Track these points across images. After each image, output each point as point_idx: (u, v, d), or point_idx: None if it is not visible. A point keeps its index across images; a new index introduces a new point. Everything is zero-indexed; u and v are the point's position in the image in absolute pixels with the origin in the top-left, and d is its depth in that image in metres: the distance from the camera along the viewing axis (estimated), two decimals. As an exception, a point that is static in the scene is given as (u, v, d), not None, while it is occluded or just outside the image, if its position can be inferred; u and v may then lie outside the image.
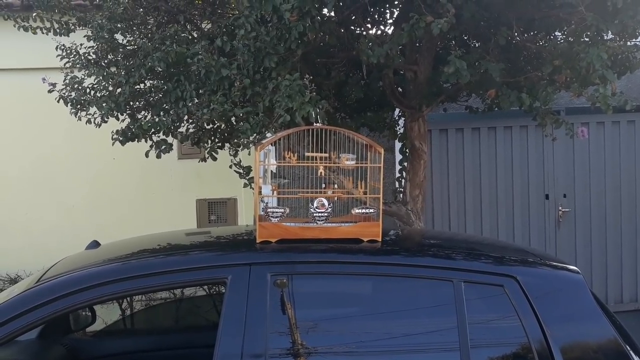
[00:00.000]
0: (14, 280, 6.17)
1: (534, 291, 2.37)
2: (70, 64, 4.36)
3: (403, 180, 4.89)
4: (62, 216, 6.60)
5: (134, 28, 4.42)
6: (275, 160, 2.65)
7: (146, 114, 4.28)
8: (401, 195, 4.83)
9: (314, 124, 2.82)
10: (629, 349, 2.37)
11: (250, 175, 4.15)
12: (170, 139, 4.20)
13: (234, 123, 4.13)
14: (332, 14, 3.98)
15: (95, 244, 2.96)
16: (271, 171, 2.65)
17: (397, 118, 5.34)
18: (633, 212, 6.26)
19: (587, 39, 3.70)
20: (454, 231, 6.07)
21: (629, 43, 4.01)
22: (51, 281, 2.40)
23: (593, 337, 2.40)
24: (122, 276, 2.38)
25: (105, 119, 4.12)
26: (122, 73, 4.12)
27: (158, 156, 4.19)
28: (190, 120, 4.16)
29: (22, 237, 6.52)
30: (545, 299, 2.37)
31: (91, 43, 4.35)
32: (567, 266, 2.61)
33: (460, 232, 6.03)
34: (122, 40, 4.39)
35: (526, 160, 6.21)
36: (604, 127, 6.20)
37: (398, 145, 5.16)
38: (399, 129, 5.25)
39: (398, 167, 5.06)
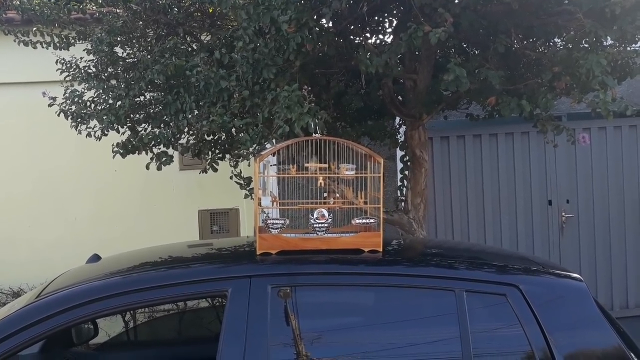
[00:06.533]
0: (16, 294, 6.16)
1: (537, 300, 2.36)
2: (70, 77, 4.38)
3: (404, 189, 4.88)
4: (65, 229, 6.59)
5: (134, 41, 4.45)
6: (275, 171, 2.65)
7: (146, 127, 4.29)
8: (403, 203, 4.82)
9: (313, 134, 2.82)
10: (633, 356, 2.35)
11: (251, 186, 4.15)
12: (170, 151, 4.20)
13: (234, 134, 4.14)
14: (330, 24, 3.99)
15: (96, 258, 2.96)
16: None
17: (397, 126, 5.33)
18: (637, 216, 6.23)
19: (586, 46, 3.68)
20: (457, 239, 6.04)
21: (628, 48, 4.00)
22: (51, 296, 2.40)
23: (597, 345, 2.39)
24: (123, 290, 2.38)
25: (106, 132, 4.13)
26: (122, 86, 4.14)
27: (159, 168, 4.19)
28: (191, 132, 4.17)
29: (25, 251, 6.51)
30: (548, 308, 2.36)
31: (91, 56, 4.38)
32: (570, 274, 2.60)
33: (463, 241, 6.00)
34: (122, 53, 4.42)
35: (528, 166, 6.19)
36: (606, 132, 6.19)
37: (399, 153, 5.15)
38: (400, 137, 5.25)
39: (399, 175, 5.05)
